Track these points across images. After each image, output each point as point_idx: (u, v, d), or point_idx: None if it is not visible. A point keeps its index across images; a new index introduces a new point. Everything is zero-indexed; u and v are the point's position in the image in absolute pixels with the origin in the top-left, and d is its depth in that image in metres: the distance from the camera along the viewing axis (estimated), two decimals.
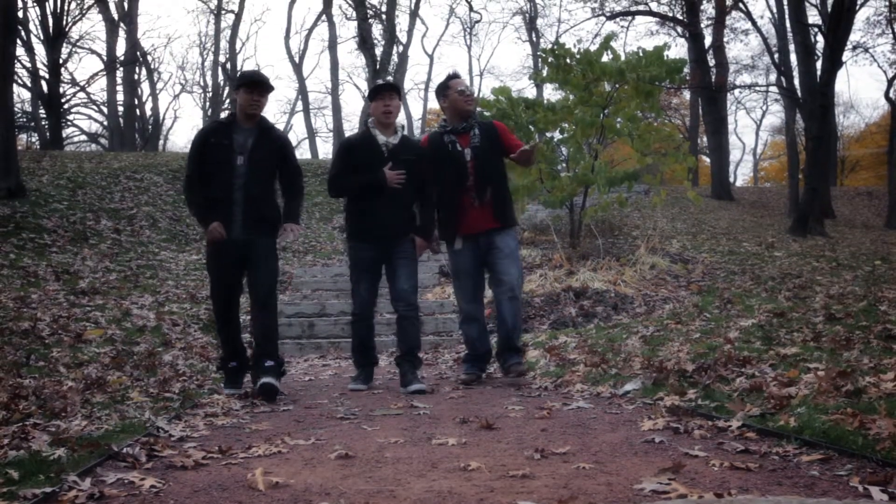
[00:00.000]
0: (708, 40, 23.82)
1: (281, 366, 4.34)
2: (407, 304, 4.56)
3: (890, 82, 25.44)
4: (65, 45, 24.80)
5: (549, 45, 10.98)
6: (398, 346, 4.69)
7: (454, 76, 4.90)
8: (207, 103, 35.28)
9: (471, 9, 32.62)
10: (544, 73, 10.52)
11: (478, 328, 4.79)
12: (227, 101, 34.32)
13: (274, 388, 4.11)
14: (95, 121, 31.53)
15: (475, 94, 4.82)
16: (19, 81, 23.68)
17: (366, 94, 34.76)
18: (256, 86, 4.36)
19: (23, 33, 22.71)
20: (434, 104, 51.26)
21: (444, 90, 4.81)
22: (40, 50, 24.59)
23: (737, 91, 33.51)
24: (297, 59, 34.28)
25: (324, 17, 30.71)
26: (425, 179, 4.65)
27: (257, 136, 4.37)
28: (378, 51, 20.51)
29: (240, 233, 4.31)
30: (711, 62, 22.91)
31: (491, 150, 4.74)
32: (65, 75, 26.14)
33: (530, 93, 29.32)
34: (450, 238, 4.74)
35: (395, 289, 4.60)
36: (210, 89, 34.57)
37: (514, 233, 4.81)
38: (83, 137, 32.09)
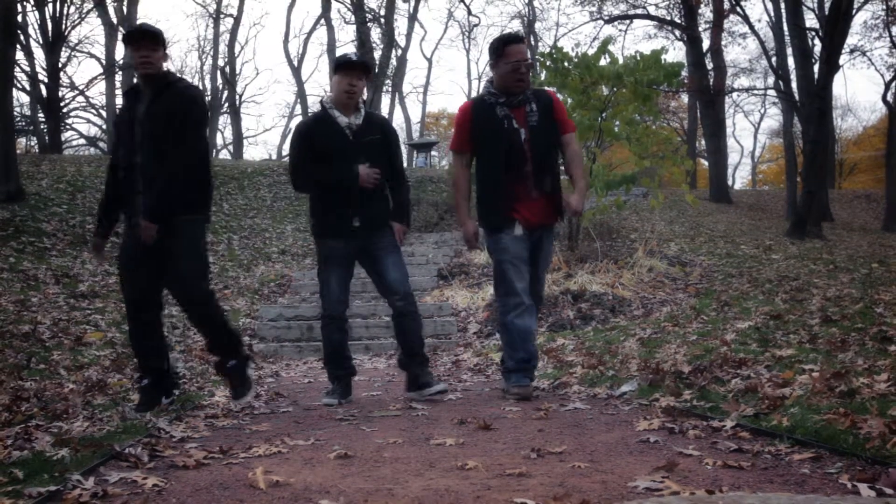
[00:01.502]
0: (706, 44, 23.91)
1: (246, 360, 3.90)
2: (403, 297, 4.07)
3: (887, 85, 25.53)
4: (64, 49, 24.83)
5: (548, 49, 11.03)
6: (401, 347, 4.21)
7: (514, 40, 4.07)
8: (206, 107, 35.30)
9: (469, 12, 32.82)
10: (542, 76, 10.57)
11: (535, 324, 4.16)
12: (226, 104, 34.42)
13: (245, 397, 3.84)
14: (94, 125, 31.58)
15: (530, 67, 4.03)
16: (18, 85, 23.71)
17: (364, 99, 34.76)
18: (143, 39, 3.66)
19: (22, 37, 22.75)
20: (433, 107, 51.38)
21: (497, 54, 4.01)
22: (39, 54, 24.63)
23: (735, 94, 33.61)
24: (295, 63, 34.38)
25: (322, 21, 30.77)
26: (394, 158, 4.15)
27: (150, 100, 3.63)
28: (377, 54, 20.57)
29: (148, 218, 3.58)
30: (709, 65, 22.98)
31: (550, 131, 4.07)
32: (64, 79, 26.21)
33: None
34: (503, 224, 4.00)
35: (384, 282, 4.09)
36: (209, 93, 34.61)
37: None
38: (82, 141, 32.14)
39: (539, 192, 4.01)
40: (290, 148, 4.18)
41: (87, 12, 25.89)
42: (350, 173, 3.93)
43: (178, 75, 3.87)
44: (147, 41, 3.64)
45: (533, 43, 34.56)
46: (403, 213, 4.19)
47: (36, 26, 24.15)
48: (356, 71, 3.99)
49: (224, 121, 37.05)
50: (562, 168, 4.31)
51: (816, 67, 16.82)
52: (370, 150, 4.01)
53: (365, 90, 4.13)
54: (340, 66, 4.02)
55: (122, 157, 3.65)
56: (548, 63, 10.25)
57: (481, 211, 4.11)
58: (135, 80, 3.78)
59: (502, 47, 3.98)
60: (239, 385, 3.82)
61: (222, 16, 33.01)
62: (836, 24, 14.82)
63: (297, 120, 38.33)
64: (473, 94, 38.07)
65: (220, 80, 33.48)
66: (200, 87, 4.14)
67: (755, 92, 33.81)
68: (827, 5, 19.42)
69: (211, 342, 3.83)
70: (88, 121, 31.38)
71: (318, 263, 4.18)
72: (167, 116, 3.56)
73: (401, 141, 4.43)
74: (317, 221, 4.11)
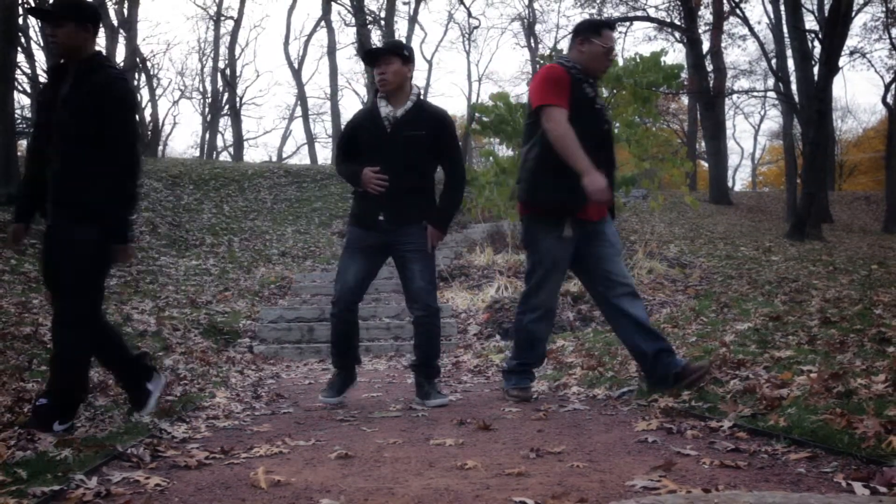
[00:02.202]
0: (706, 46, 23.96)
1: (67, 408, 3.08)
2: (423, 307, 3.90)
3: (887, 87, 25.58)
4: None
5: (547, 51, 11.05)
6: (414, 352, 4.14)
7: (612, 26, 3.91)
8: (207, 109, 35.39)
9: (469, 14, 32.76)
10: None
11: (550, 329, 4.07)
12: (227, 106, 34.48)
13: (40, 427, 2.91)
14: None
15: None
16: (20, 88, 23.78)
17: (364, 100, 34.87)
18: (46, 18, 3.28)
19: (23, 40, 22.80)
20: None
21: (594, 32, 3.77)
22: (40, 56, 24.72)
23: (735, 96, 33.67)
24: (296, 65, 34.42)
25: (323, 24, 30.87)
26: (445, 156, 3.95)
27: (71, 83, 3.14)
28: None
29: (49, 220, 3.19)
30: (709, 67, 23.02)
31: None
32: None
33: None
34: (563, 218, 3.69)
35: (408, 289, 3.95)
36: (209, 95, 34.67)
37: None
38: None
39: None
40: (341, 140, 4.15)
41: None
42: (354, 175, 3.87)
43: (108, 59, 3.34)
44: (50, 17, 3.17)
45: (533, 45, 34.62)
46: (442, 217, 3.97)
47: (37, 28, 24.22)
48: (380, 58, 3.87)
49: (224, 123, 37.14)
50: None
51: (816, 69, 16.86)
52: (409, 144, 3.83)
53: (405, 72, 3.89)
54: (365, 61, 4.01)
55: (42, 149, 3.20)
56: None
57: (540, 195, 3.70)
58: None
59: (601, 29, 3.80)
60: (34, 420, 3.02)
61: (223, 18, 33.10)
62: (835, 26, 14.85)
63: (298, 122, 38.43)
64: (474, 97, 38.12)
65: (220, 83, 33.54)
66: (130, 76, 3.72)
67: (755, 94, 33.90)
68: (826, 7, 19.47)
69: (54, 369, 3.20)
70: None
71: (343, 249, 4.07)
72: (81, 104, 3.08)
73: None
74: (351, 209, 4.11)
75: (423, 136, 3.85)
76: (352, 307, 3.98)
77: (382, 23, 22.99)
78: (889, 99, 24.15)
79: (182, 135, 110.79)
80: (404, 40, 29.50)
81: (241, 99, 35.95)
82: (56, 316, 3.17)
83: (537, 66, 10.31)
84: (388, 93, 3.88)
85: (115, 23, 27.59)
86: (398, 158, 3.83)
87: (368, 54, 3.99)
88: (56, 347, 3.17)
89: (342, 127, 4.33)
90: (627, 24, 26.49)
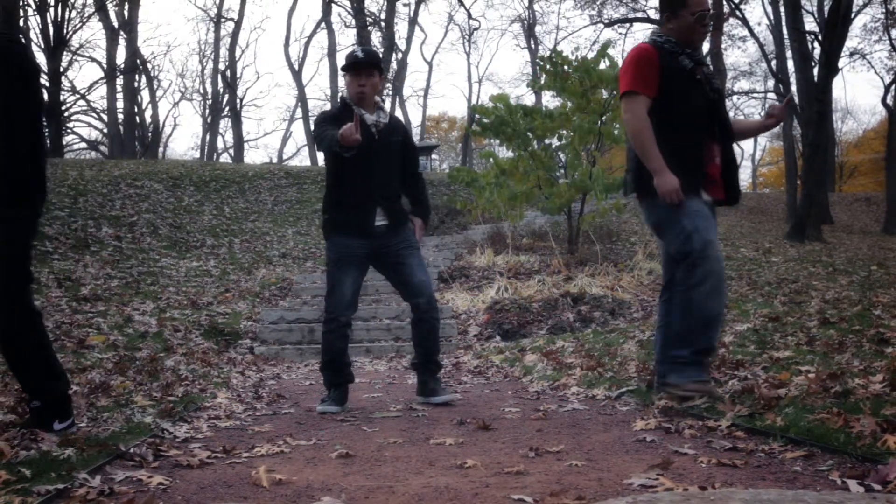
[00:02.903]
0: (706, 47, 23.98)
1: (60, 404, 2.95)
2: (428, 300, 3.92)
3: (887, 88, 25.62)
4: (65, 53, 24.90)
5: (548, 53, 11.09)
6: (415, 350, 4.08)
7: None
8: (207, 111, 35.43)
9: (469, 16, 32.81)
10: (542, 80, 10.64)
11: (724, 304, 3.45)
12: (227, 108, 34.51)
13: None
14: (95, 128, 31.71)
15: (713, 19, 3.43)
16: None
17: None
18: None
19: (23, 40, 22.83)
20: (433, 111, 51.39)
21: (676, 5, 3.44)
22: (41, 58, 24.70)
23: (735, 97, 33.68)
24: (296, 67, 34.47)
25: (323, 25, 30.96)
26: (414, 160, 4.14)
27: None
28: None
29: None
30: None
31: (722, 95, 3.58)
32: (65, 83, 26.27)
33: (529, 100, 29.47)
34: (696, 186, 3.34)
35: (410, 284, 3.94)
36: (210, 97, 34.72)
37: None
38: (83, 145, 32.24)
39: (718, 162, 3.47)
40: (315, 127, 3.99)
41: (89, 16, 25.99)
42: (334, 138, 3.56)
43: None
44: None
45: (533, 47, 34.67)
46: (424, 209, 4.14)
47: (38, 30, 24.25)
48: (363, 69, 3.84)
49: (225, 124, 37.19)
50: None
51: (816, 70, 16.88)
52: (392, 151, 3.94)
53: (379, 86, 3.96)
54: (347, 68, 3.88)
55: None
56: (547, 67, 10.32)
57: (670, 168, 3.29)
58: None
59: None
60: (33, 422, 2.90)
61: (223, 20, 33.17)
62: (835, 28, 14.89)
63: (298, 123, 38.45)
64: (475, 99, 38.13)
65: (220, 84, 33.58)
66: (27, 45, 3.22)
67: (755, 95, 33.93)
68: (826, 8, 19.50)
69: (22, 378, 2.96)
70: (89, 125, 31.60)
71: (329, 263, 3.95)
72: None
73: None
74: (333, 218, 3.92)
75: (401, 140, 4.03)
76: (349, 321, 3.95)
77: (382, 24, 23.03)
78: (889, 100, 24.18)
79: (182, 136, 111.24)
80: (404, 42, 29.64)
81: (241, 100, 36.01)
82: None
83: (538, 67, 10.32)
84: (363, 104, 3.86)
85: (116, 25, 27.66)
86: (388, 164, 3.92)
87: (355, 63, 3.85)
88: (13, 349, 2.89)
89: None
90: (627, 25, 26.57)
